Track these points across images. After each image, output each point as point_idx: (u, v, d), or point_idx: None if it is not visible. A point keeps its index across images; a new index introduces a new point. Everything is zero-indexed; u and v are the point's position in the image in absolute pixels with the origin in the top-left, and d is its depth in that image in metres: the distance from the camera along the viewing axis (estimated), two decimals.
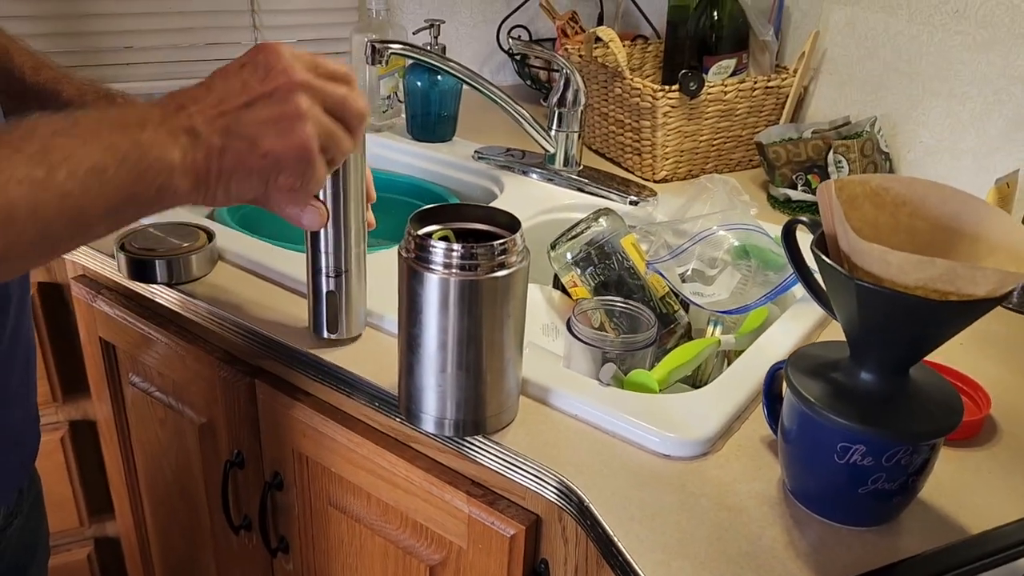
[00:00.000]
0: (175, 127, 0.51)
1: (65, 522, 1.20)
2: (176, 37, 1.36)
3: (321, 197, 0.70)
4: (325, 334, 0.78)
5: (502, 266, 0.61)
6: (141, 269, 0.88)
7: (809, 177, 1.16)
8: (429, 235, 0.64)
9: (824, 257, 0.56)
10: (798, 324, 0.84)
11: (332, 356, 0.78)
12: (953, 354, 0.80)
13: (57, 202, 0.46)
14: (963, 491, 0.65)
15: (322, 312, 0.77)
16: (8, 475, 0.71)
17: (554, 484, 0.65)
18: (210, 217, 1.05)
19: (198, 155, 0.51)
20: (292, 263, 0.89)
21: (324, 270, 0.74)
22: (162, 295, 0.89)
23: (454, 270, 0.61)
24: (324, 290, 0.76)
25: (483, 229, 0.66)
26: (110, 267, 0.93)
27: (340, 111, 0.57)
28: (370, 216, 0.76)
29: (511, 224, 0.65)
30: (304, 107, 0.54)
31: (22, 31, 1.25)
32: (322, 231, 0.73)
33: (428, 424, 0.67)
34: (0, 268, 0.47)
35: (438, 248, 0.60)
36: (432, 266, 0.61)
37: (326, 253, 0.74)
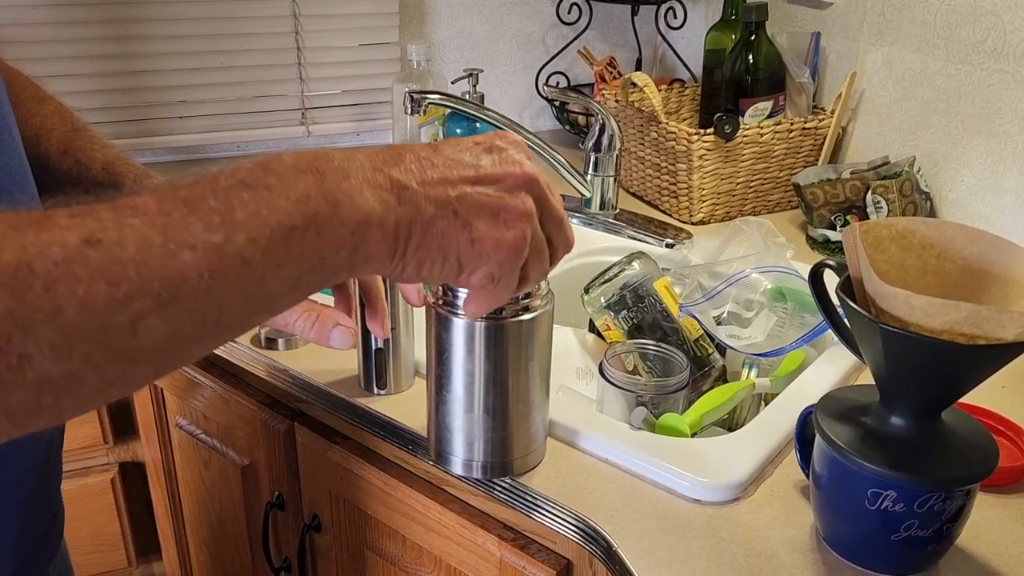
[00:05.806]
0: (383, 179, 0.42)
1: (114, 562, 1.23)
2: (227, 91, 1.42)
3: None
4: (375, 390, 0.80)
5: (526, 310, 0.62)
6: None
7: (848, 218, 1.15)
8: None
9: (849, 301, 0.56)
10: (835, 367, 0.83)
11: (373, 403, 0.79)
12: (994, 397, 0.78)
13: (236, 272, 0.37)
14: (1005, 539, 0.63)
15: (371, 369, 0.79)
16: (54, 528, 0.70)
17: (583, 528, 0.65)
18: None
19: (401, 216, 0.43)
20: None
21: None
22: None
23: None
24: (373, 347, 0.77)
25: None
26: None
27: (555, 231, 0.51)
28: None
29: None
30: (530, 208, 0.47)
31: (79, 88, 1.32)
32: None
33: (456, 466, 0.68)
34: (166, 358, 0.37)
35: (463, 292, 0.62)
36: (458, 310, 0.62)
37: None
